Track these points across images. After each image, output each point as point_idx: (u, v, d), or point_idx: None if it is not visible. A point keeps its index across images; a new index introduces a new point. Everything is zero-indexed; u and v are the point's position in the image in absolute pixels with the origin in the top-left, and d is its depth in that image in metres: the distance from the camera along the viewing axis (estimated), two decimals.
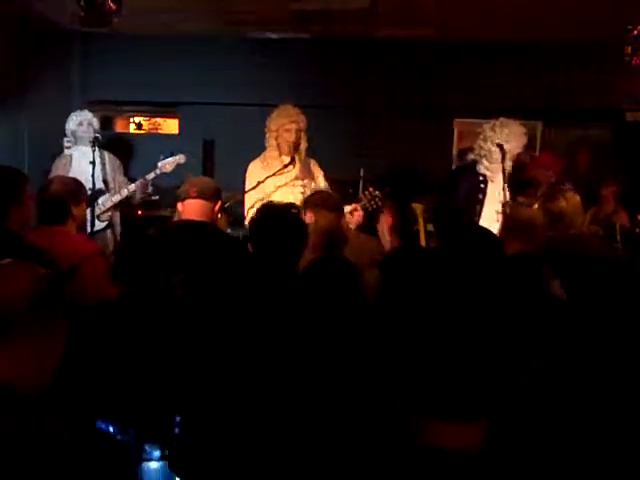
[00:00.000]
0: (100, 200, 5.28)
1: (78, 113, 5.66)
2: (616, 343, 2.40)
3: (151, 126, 8.01)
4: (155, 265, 3.24)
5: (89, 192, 4.72)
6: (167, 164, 5.33)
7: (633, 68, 5.27)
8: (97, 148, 5.19)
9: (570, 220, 3.67)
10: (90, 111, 5.73)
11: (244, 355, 2.28)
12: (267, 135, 4.68)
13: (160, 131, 7.93)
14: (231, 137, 6.89)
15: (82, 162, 5.29)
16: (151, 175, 5.30)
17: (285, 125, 4.56)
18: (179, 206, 3.56)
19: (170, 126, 7.84)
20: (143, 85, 7.07)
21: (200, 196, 3.44)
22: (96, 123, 5.62)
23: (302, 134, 4.64)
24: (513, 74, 6.84)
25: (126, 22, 4.80)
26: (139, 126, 7.91)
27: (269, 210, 2.81)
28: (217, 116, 7.17)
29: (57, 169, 5.32)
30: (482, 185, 4.62)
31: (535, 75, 6.79)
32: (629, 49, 5.21)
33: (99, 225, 5.23)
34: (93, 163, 4.89)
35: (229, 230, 4.66)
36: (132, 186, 5.30)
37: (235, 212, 5.11)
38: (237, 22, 6.26)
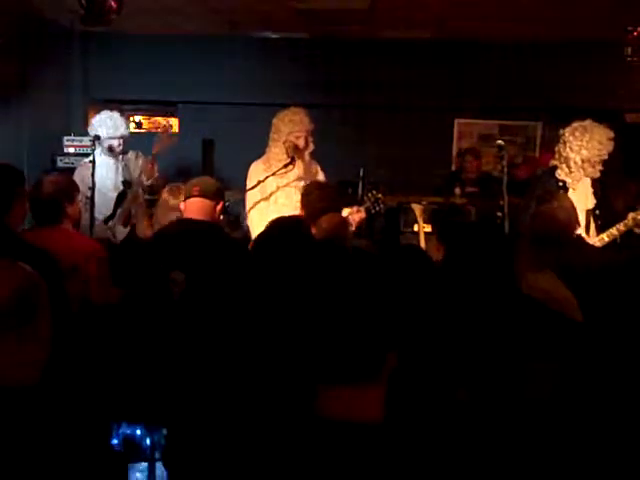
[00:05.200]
0: (124, 205, 4.97)
1: (111, 123, 5.08)
2: (612, 346, 2.41)
3: (151, 125, 8.01)
4: (155, 264, 3.25)
5: (89, 191, 4.75)
6: (161, 135, 5.15)
7: (633, 69, 5.27)
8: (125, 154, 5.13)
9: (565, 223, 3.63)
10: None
11: (244, 354, 2.28)
12: (273, 135, 4.61)
13: (160, 130, 7.93)
14: (231, 136, 6.90)
15: (106, 174, 5.08)
16: (149, 158, 5.09)
17: (296, 132, 4.54)
18: (181, 205, 3.57)
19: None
20: (143, 84, 7.08)
21: (202, 195, 3.45)
22: (128, 134, 5.23)
23: (309, 138, 4.62)
24: (513, 74, 6.84)
25: (126, 21, 4.80)
26: (139, 125, 7.91)
27: (276, 228, 2.83)
28: (217, 115, 7.18)
29: (82, 177, 4.88)
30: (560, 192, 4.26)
31: (535, 75, 6.80)
32: (629, 50, 5.21)
33: (125, 232, 4.93)
34: (93, 162, 4.88)
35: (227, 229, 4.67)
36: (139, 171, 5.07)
37: (234, 211, 5.13)
38: (237, 21, 6.27)
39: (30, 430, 1.40)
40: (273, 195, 4.52)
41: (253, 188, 4.52)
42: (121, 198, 5.04)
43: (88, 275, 3.19)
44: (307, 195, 3.83)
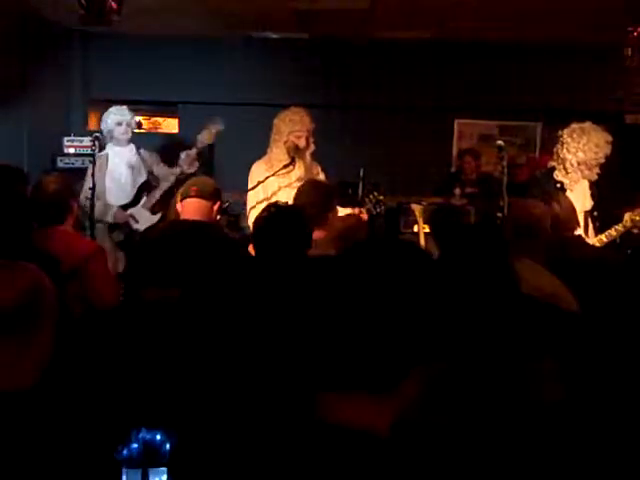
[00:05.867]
0: (150, 193, 5.28)
1: (117, 111, 5.44)
2: (611, 344, 2.41)
3: (151, 125, 8.01)
4: (152, 265, 3.24)
5: (89, 191, 4.74)
6: (206, 135, 5.26)
7: (633, 70, 5.26)
8: (135, 148, 5.45)
9: (565, 223, 3.65)
10: (131, 109, 5.63)
11: (246, 355, 2.27)
12: (274, 136, 4.61)
13: (160, 130, 7.93)
14: (231, 137, 6.89)
15: (118, 163, 5.36)
16: (193, 151, 5.26)
17: (296, 132, 4.54)
18: (178, 206, 3.57)
19: (170, 125, 7.84)
20: (143, 84, 7.08)
21: (199, 196, 3.46)
22: (134, 123, 5.55)
23: (310, 137, 4.63)
24: (513, 75, 6.85)
25: (126, 21, 4.79)
26: (139, 125, 7.88)
27: (275, 210, 2.83)
28: (217, 115, 7.16)
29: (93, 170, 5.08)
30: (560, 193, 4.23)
31: (535, 76, 6.80)
32: (629, 51, 5.20)
33: (152, 219, 5.23)
34: (93, 162, 4.87)
35: (226, 230, 4.67)
36: (177, 168, 5.23)
37: (234, 211, 5.12)
38: (237, 22, 6.27)
39: (26, 435, 1.39)
40: (274, 195, 4.52)
41: (253, 188, 4.52)
42: (148, 187, 5.30)
43: (89, 276, 3.19)
44: (302, 195, 3.80)
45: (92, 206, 4.75)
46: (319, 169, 4.77)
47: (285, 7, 5.64)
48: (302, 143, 4.54)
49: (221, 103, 7.15)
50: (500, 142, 4.51)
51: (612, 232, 4.27)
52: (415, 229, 4.94)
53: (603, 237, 4.29)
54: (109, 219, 5.12)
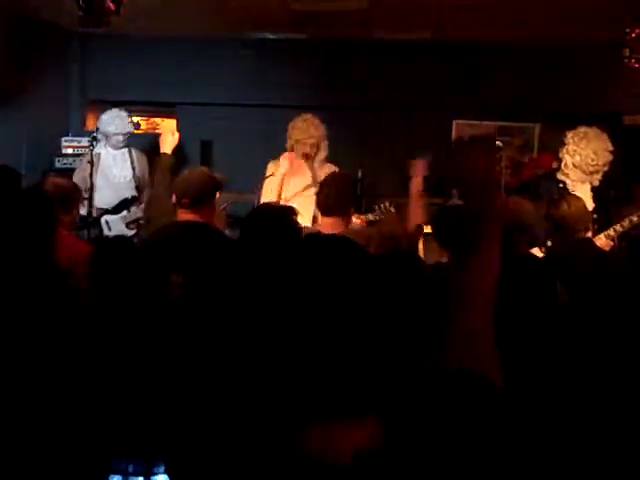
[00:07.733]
0: (132, 209, 5.53)
1: (122, 121, 5.78)
2: (615, 345, 2.40)
3: (149, 126, 7.99)
4: (151, 267, 3.23)
5: (86, 192, 4.74)
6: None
7: (631, 71, 5.26)
8: (129, 148, 5.82)
9: (574, 225, 3.66)
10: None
11: (246, 355, 2.27)
12: (288, 140, 4.83)
13: (158, 131, 7.91)
14: (229, 138, 6.89)
15: (111, 163, 5.70)
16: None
17: (303, 140, 4.65)
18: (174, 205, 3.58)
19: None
20: (141, 85, 7.08)
21: (190, 207, 3.48)
22: (132, 131, 6.00)
23: (321, 144, 4.73)
24: (512, 76, 6.84)
25: (125, 22, 4.79)
26: (137, 126, 7.88)
27: (262, 209, 2.84)
28: (215, 116, 7.16)
29: (84, 168, 5.28)
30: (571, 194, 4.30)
31: (534, 77, 6.80)
32: (627, 52, 5.20)
33: (128, 233, 5.40)
34: (91, 163, 4.88)
35: (227, 231, 4.67)
36: None
37: (234, 212, 5.12)
38: (236, 22, 6.26)
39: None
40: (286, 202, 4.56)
41: (264, 180, 4.57)
42: (132, 203, 5.56)
43: (83, 279, 3.17)
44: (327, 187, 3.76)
45: (91, 207, 4.75)
46: (335, 169, 4.81)
47: (284, 8, 5.63)
48: (307, 150, 4.62)
49: (220, 104, 7.15)
50: (498, 143, 4.53)
51: (611, 232, 4.29)
52: None
53: (602, 236, 4.30)
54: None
